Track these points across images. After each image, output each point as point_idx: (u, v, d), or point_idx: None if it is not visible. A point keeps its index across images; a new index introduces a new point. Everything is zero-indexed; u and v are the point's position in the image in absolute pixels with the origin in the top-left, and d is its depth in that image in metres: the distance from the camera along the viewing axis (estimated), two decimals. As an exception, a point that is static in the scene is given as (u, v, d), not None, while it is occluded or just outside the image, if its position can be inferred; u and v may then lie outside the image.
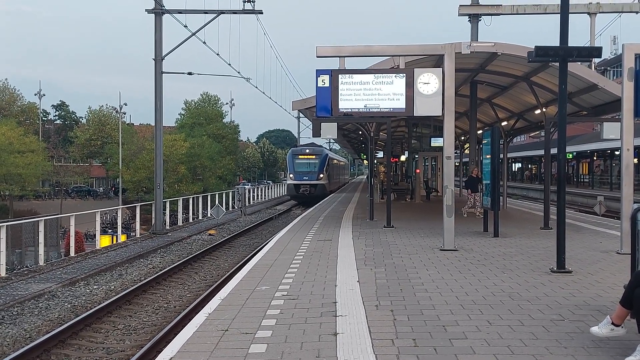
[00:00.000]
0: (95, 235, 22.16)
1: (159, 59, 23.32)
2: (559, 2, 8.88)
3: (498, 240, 12.29)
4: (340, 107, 11.94)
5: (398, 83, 11.80)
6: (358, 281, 7.88)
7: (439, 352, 4.90)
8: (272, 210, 37.74)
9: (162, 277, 14.12)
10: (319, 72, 12.00)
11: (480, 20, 23.43)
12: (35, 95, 66.22)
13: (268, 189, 54.01)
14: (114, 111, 64.05)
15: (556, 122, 11.68)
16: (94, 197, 62.83)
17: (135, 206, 25.36)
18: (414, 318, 5.99)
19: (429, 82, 11.58)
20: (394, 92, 11.83)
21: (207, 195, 33.51)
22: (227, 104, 74.07)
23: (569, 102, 13.28)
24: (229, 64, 26.74)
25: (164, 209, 24.75)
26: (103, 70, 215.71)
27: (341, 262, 9.53)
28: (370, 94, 11.92)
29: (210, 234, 23.40)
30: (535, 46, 8.77)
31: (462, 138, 30.60)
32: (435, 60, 14.48)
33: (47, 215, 22.57)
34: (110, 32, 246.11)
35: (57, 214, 27.94)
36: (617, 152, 37.16)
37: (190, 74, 27.84)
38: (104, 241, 23.56)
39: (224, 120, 70.40)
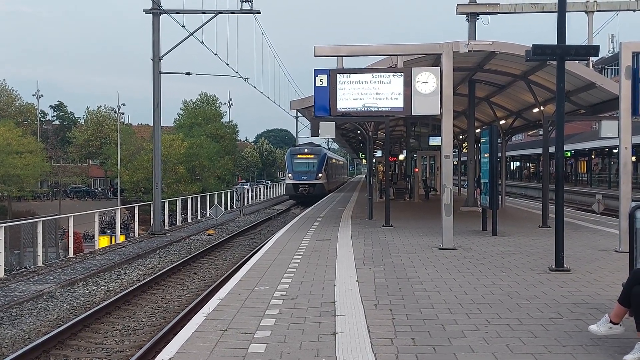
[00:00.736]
0: (94, 235, 22.14)
1: (157, 59, 23.31)
2: (557, 1, 8.89)
3: (497, 239, 12.30)
4: (338, 106, 11.95)
5: (396, 82, 11.82)
6: (357, 280, 7.89)
7: (438, 351, 4.91)
8: (270, 210, 37.74)
9: (161, 278, 14.12)
10: (317, 72, 12.01)
11: (478, 19, 23.45)
12: (34, 95, 66.27)
13: (267, 188, 54.01)
14: (112, 111, 64.13)
15: (554, 120, 11.70)
16: (92, 197, 62.82)
17: (134, 206, 25.35)
18: (412, 317, 6.00)
19: (427, 81, 11.60)
20: (392, 92, 11.85)
21: (205, 196, 33.50)
22: (225, 103, 74.09)
23: (566, 101, 13.32)
24: (227, 64, 26.76)
25: (163, 209, 24.75)
26: (101, 70, 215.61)
27: (340, 261, 9.54)
28: (368, 93, 11.93)
29: (209, 234, 23.40)
30: (532, 45, 8.78)
31: (461, 137, 30.60)
32: (433, 60, 14.49)
33: (45, 216, 22.56)
34: (109, 32, 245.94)
35: (56, 215, 27.94)
36: (615, 151, 37.23)
37: (188, 74, 27.82)
38: (102, 242, 23.55)
39: (222, 120, 70.39)
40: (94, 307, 11.06)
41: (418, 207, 23.22)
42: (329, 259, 9.84)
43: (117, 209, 24.97)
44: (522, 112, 20.80)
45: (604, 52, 53.15)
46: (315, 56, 11.61)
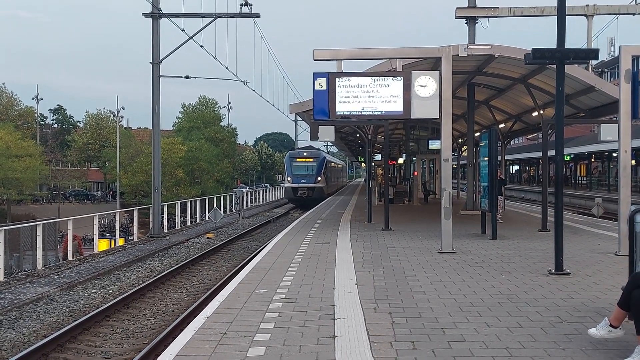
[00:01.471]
0: (93, 239, 22.12)
1: (156, 62, 23.33)
2: (556, 4, 8.91)
3: (496, 243, 12.30)
4: (337, 110, 11.96)
5: (395, 86, 11.83)
6: (356, 284, 7.88)
7: (438, 355, 4.90)
8: (270, 213, 37.73)
9: (160, 281, 14.10)
10: (317, 75, 12.02)
11: (477, 22, 23.46)
12: (33, 99, 66.24)
13: (266, 192, 54.00)
14: (112, 115, 64.12)
15: (554, 124, 11.71)
16: (91, 201, 62.80)
17: (133, 210, 25.33)
18: (412, 321, 5.99)
19: (426, 84, 11.61)
20: (391, 95, 11.86)
21: (205, 199, 33.49)
22: (224, 107, 74.10)
23: (566, 104, 13.33)
24: (227, 68, 26.75)
25: (162, 213, 24.72)
26: (101, 74, 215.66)
27: (339, 265, 9.53)
28: (367, 96, 11.95)
29: (208, 238, 23.38)
30: (532, 48, 8.79)
31: (460, 140, 30.64)
32: (432, 63, 14.50)
33: (45, 219, 22.54)
34: (108, 36, 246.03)
35: (55, 218, 27.91)
36: (614, 154, 37.22)
37: (187, 77, 27.88)
38: (102, 245, 23.53)
39: (221, 123, 70.40)
40: (93, 311, 11.04)
41: (417, 210, 23.21)
42: (328, 262, 9.83)
43: (117, 213, 24.95)
44: (522, 116, 20.83)
45: (603, 56, 53.24)
46: (315, 60, 11.63)
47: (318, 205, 28.58)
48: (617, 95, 10.94)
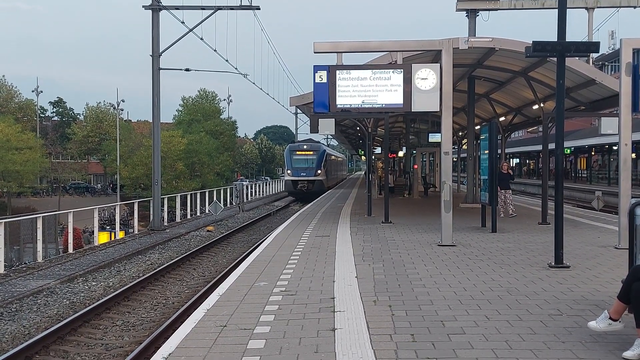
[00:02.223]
0: (93, 231, 22.14)
1: (156, 55, 23.26)
2: (557, -3, 8.87)
3: (496, 236, 12.31)
4: (337, 103, 11.94)
5: (396, 78, 11.81)
6: (356, 277, 7.89)
7: (437, 347, 4.91)
8: (270, 206, 37.74)
9: (160, 274, 14.12)
10: (317, 68, 12.00)
11: (478, 15, 23.38)
12: (33, 92, 66.17)
13: (266, 185, 54.02)
14: (112, 108, 64.06)
15: (554, 117, 11.70)
16: (91, 193, 62.82)
17: (133, 203, 25.34)
18: (412, 313, 6.00)
19: (426, 77, 11.59)
20: (392, 88, 11.83)
21: (205, 192, 33.50)
22: (224, 100, 74.04)
23: (566, 97, 13.31)
24: (227, 60, 26.73)
25: (162, 206, 24.73)
26: (101, 66, 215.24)
27: (339, 257, 9.54)
28: (368, 89, 11.92)
29: (208, 231, 23.40)
30: (532, 41, 8.77)
31: (460, 133, 30.60)
32: (432, 56, 14.46)
33: (45, 212, 22.56)
34: (108, 28, 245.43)
35: (55, 211, 27.93)
36: (615, 147, 37.20)
37: (187, 70, 27.80)
38: (102, 238, 23.55)
39: (221, 116, 70.35)
40: (93, 303, 11.06)
41: (417, 203, 23.22)
42: (328, 255, 9.84)
43: (117, 205, 24.96)
44: (522, 109, 20.80)
45: (604, 49, 53.10)
46: (315, 52, 11.60)
47: (318, 199, 28.59)
48: (617, 89, 10.92)
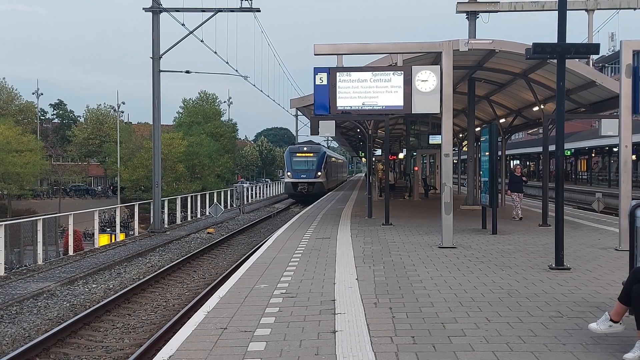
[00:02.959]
0: (93, 234, 22.14)
1: (156, 57, 23.29)
2: (557, -1, 8.88)
3: (496, 238, 12.30)
4: (338, 105, 11.95)
5: (396, 80, 11.81)
6: (357, 279, 7.89)
7: (438, 350, 4.90)
8: (270, 208, 37.74)
9: (161, 276, 14.12)
10: (317, 70, 12.01)
11: (478, 17, 23.41)
12: (33, 94, 66.23)
13: (266, 187, 54.01)
14: (112, 110, 64.10)
15: (554, 119, 11.70)
16: (92, 196, 62.81)
17: (134, 205, 25.34)
18: (412, 315, 6.00)
19: (427, 79, 11.59)
20: (392, 90, 11.84)
21: (205, 194, 33.50)
22: (225, 102, 74.04)
23: (567, 99, 13.31)
24: (227, 62, 26.87)
25: (163, 208, 24.74)
26: (101, 69, 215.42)
27: (340, 260, 9.54)
28: (368, 91, 11.93)
29: (208, 233, 23.40)
30: (533, 43, 8.78)
31: (461, 135, 30.59)
32: (433, 58, 14.47)
33: (45, 214, 22.56)
34: (108, 31, 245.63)
35: (56, 213, 27.93)
36: (615, 149, 37.22)
37: (188, 72, 27.83)
38: (102, 240, 23.54)
39: (222, 118, 70.36)
40: (94, 305, 11.06)
41: (418, 205, 23.22)
42: (329, 257, 9.84)
43: (117, 208, 24.96)
44: (522, 111, 20.79)
45: (604, 51, 53.15)
46: (315, 54, 11.59)
47: (318, 201, 28.58)
48: (617, 90, 10.92)
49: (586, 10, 20.93)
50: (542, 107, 17.27)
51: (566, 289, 7.18)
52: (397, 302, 6.59)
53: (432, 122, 28.37)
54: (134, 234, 24.10)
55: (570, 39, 9.00)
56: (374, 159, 29.62)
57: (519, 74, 16.84)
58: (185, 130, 59.00)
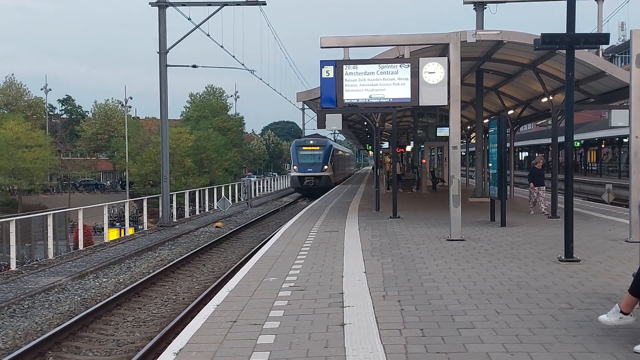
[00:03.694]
0: (103, 228, 22.27)
1: (163, 52, 23.31)
2: (566, -11, 8.80)
3: (505, 230, 12.26)
4: (345, 97, 11.90)
5: (403, 73, 11.75)
6: (365, 272, 7.89)
7: (447, 342, 4.90)
8: (278, 202, 37.80)
9: (170, 270, 14.19)
10: (323, 63, 11.96)
11: (485, 8, 23.16)
12: (42, 90, 66.54)
13: (274, 180, 54.07)
14: (120, 105, 64.37)
15: (563, 109, 11.61)
16: (101, 190, 63.21)
17: (143, 199, 25.46)
18: (421, 308, 5.99)
19: (434, 71, 11.53)
20: (399, 82, 11.79)
21: (213, 188, 33.59)
22: (231, 96, 74.13)
23: (576, 90, 13.20)
24: (233, 56, 26.75)
25: (171, 202, 24.84)
26: (108, 64, 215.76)
27: (348, 253, 9.55)
28: (375, 84, 11.88)
29: (217, 226, 23.48)
30: (541, 34, 8.70)
31: (469, 127, 30.46)
32: (440, 50, 14.39)
33: (55, 209, 22.72)
34: (115, 26, 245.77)
35: (66, 208, 28.11)
36: (625, 140, 36.94)
37: (194, 66, 27.84)
38: (112, 234, 23.68)
39: (229, 112, 70.46)
40: (104, 299, 11.14)
41: (425, 198, 23.17)
42: (337, 250, 9.85)
43: (126, 202, 25.08)
44: (531, 102, 20.66)
45: (614, 40, 52.63)
46: (321, 47, 11.56)
47: (326, 194, 28.59)
48: (627, 80, 10.82)
49: (595, -1, 20.71)
50: (551, 98, 17.15)
51: (576, 281, 7.15)
52: (405, 295, 6.59)
53: (440, 114, 28.25)
54: (143, 228, 24.21)
55: (580, 28, 8.92)
56: (381, 151, 29.58)
57: (528, 65, 16.72)
58: (193, 125, 59.18)
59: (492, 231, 12.06)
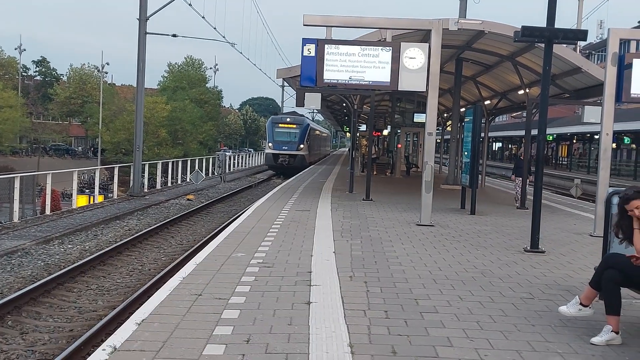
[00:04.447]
0: (72, 194, 21.92)
1: (143, 19, 22.82)
2: (549, -17, 8.84)
3: (474, 218, 12.43)
4: (325, 77, 11.83)
5: (384, 56, 11.71)
6: (334, 252, 7.93)
7: (410, 325, 4.96)
8: (252, 178, 37.63)
9: (137, 240, 14.06)
10: (305, 41, 11.84)
11: (469, -3, 23.23)
12: (16, 49, 64.62)
13: (249, 157, 53.77)
14: (96, 70, 62.95)
15: (538, 103, 11.74)
16: (72, 156, 62.05)
17: (114, 167, 25.10)
18: (386, 290, 6.05)
19: (415, 56, 11.51)
20: (380, 65, 11.75)
21: (187, 160, 33.27)
22: (210, 68, 73.09)
23: (552, 84, 13.35)
24: (214, 28, 26.48)
25: (143, 172, 24.56)
26: (86, 28, 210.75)
27: (318, 232, 9.57)
28: (355, 65, 11.82)
29: (188, 199, 23.31)
30: (521, 26, 8.75)
31: (445, 115, 30.65)
32: (422, 36, 14.39)
33: (23, 172, 22.24)
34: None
35: (34, 171, 27.57)
36: (596, 136, 37.60)
37: (174, 35, 27.34)
38: (80, 201, 23.33)
39: (207, 85, 69.57)
40: (68, 266, 11.00)
41: (399, 182, 23.32)
42: (308, 229, 9.86)
43: (97, 169, 24.72)
44: (507, 93, 20.86)
45: (592, 38, 53.30)
46: (304, 25, 11.44)
47: (300, 173, 28.55)
48: (602, 78, 10.98)
49: (577, -4, 20.86)
50: (527, 90, 17.33)
51: (539, 272, 7.29)
52: (372, 276, 6.64)
53: (418, 101, 28.35)
54: (113, 196, 23.92)
55: (560, 24, 8.99)
56: (358, 134, 29.57)
57: (507, 57, 16.84)
58: (169, 95, 58.31)
59: (461, 219, 12.21)
